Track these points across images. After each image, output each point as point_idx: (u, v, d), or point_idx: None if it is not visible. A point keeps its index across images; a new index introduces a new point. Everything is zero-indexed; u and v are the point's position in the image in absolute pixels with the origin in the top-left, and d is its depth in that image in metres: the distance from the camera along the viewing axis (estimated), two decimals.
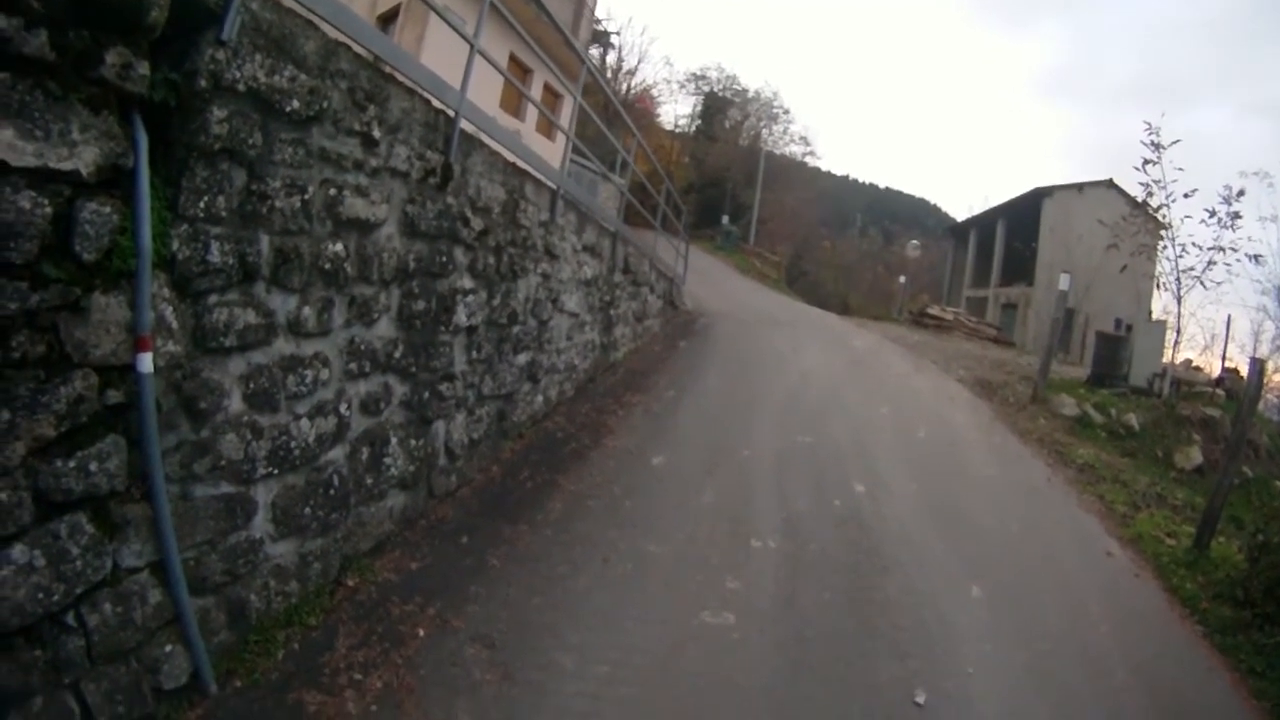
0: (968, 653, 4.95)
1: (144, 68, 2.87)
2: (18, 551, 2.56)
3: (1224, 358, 17.14)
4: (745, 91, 47.80)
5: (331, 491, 4.34)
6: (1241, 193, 13.30)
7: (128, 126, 2.86)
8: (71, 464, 2.73)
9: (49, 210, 2.58)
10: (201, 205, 3.25)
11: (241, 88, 3.35)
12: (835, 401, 10.26)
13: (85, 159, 2.68)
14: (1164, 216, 14.12)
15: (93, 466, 2.80)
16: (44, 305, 2.59)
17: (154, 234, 2.95)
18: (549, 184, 7.49)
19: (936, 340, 19.89)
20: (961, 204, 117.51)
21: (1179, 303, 14.20)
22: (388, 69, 4.64)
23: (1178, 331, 14.55)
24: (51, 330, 2.63)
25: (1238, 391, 9.33)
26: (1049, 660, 5.10)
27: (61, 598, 2.70)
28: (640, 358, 11.43)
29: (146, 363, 2.92)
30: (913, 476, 7.80)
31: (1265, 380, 9.81)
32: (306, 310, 4.04)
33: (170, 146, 3.10)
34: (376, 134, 4.44)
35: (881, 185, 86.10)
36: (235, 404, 3.57)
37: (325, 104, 3.95)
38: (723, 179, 41.53)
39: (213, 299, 3.39)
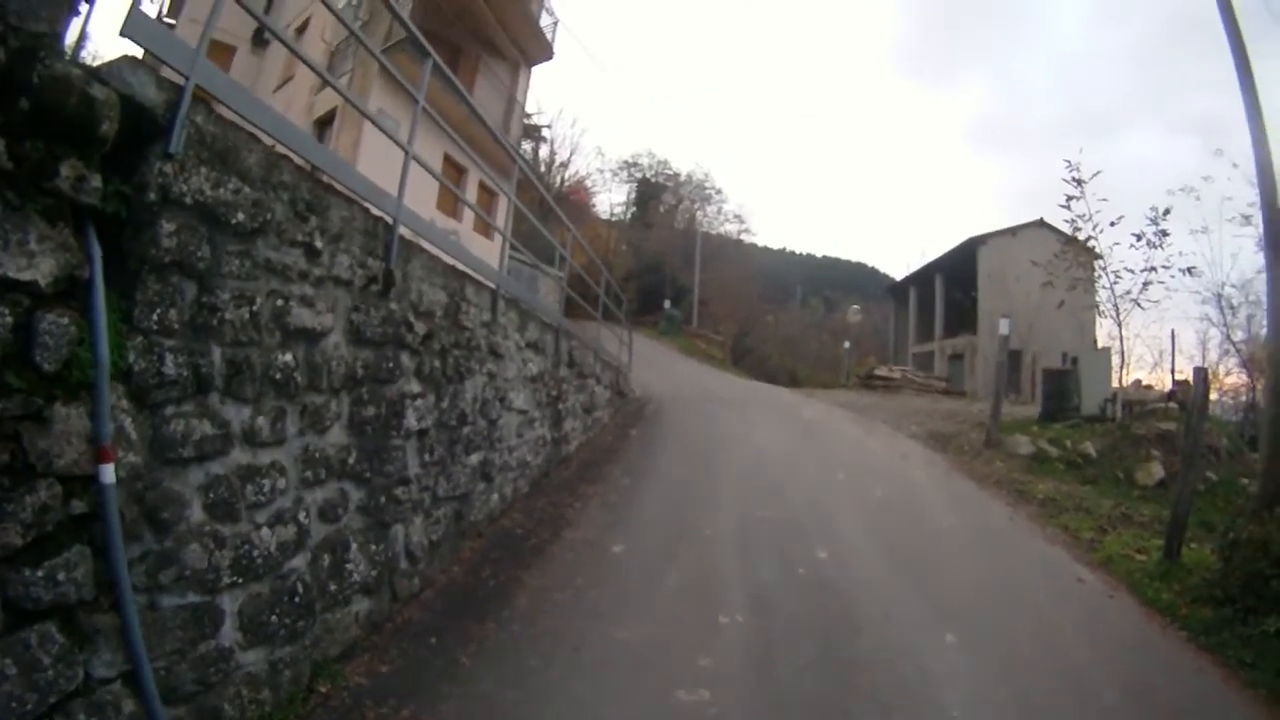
0: (950, 696, 4.95)
1: (96, 180, 2.96)
2: None
3: (1173, 372, 17.71)
4: (677, 175, 49.27)
5: (297, 599, 4.28)
6: (1168, 211, 14.03)
7: (82, 238, 2.93)
8: (40, 573, 2.70)
9: (9, 320, 2.62)
10: (155, 317, 3.30)
11: (189, 200, 3.43)
12: (791, 473, 10.36)
13: (43, 269, 2.73)
14: (1095, 247, 14.73)
15: (60, 576, 2.77)
16: (6, 414, 2.61)
17: (111, 345, 2.99)
18: (489, 284, 7.61)
19: (886, 400, 20.24)
20: (900, 263, 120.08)
21: (1120, 327, 14.80)
22: (327, 179, 4.76)
23: (1123, 355, 15.04)
24: (15, 439, 2.63)
25: (1189, 403, 9.65)
26: (1033, 691, 5.13)
27: (35, 707, 2.64)
28: (592, 449, 11.46)
29: (109, 473, 2.92)
30: (875, 536, 7.88)
31: (1210, 387, 10.12)
32: (260, 420, 4.06)
33: (123, 258, 3.16)
34: (319, 244, 4.54)
35: (819, 254, 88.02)
36: (197, 514, 3.56)
37: (269, 215, 4.05)
38: (661, 264, 42.28)
39: (169, 410, 3.41)
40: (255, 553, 3.95)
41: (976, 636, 5.80)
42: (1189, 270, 14.35)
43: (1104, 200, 14.30)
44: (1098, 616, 6.47)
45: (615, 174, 48.63)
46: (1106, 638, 6.04)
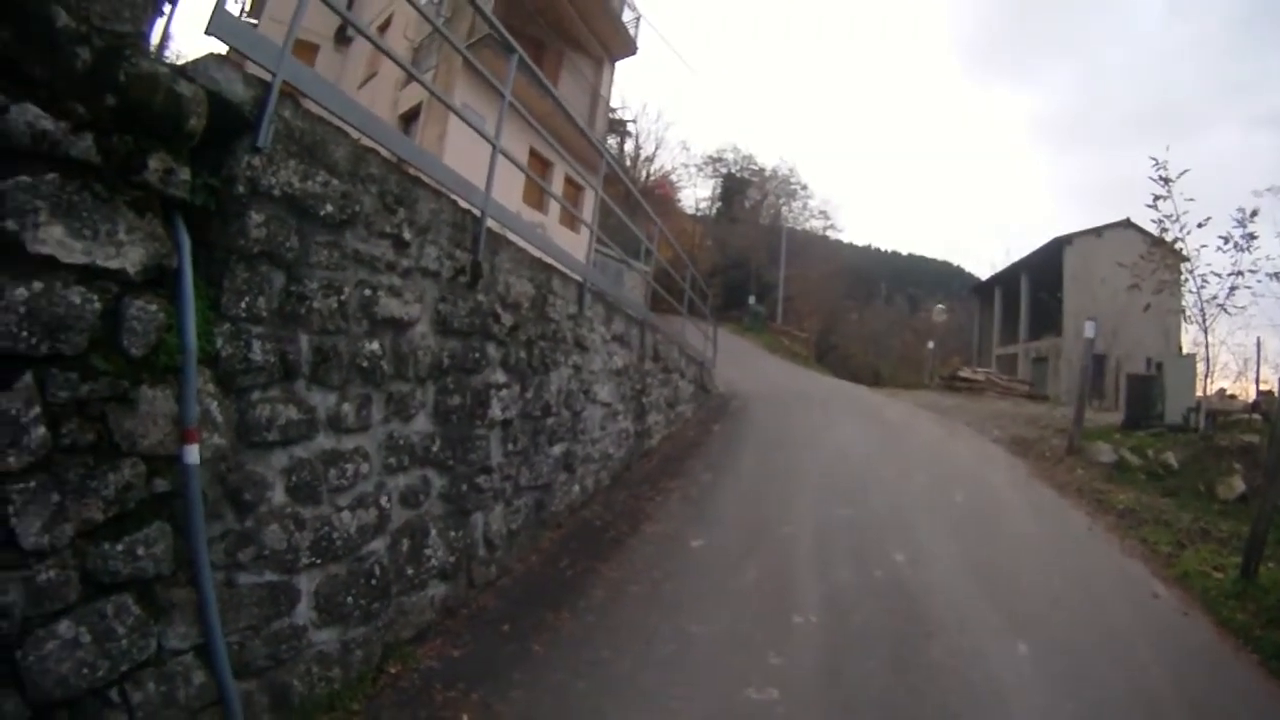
0: (1018, 707, 4.83)
1: (185, 173, 3.09)
2: (64, 627, 2.65)
3: (1258, 381, 16.88)
4: (762, 170, 48.88)
5: (373, 581, 4.39)
6: (1255, 213, 13.27)
7: (170, 229, 3.07)
8: (119, 547, 2.83)
9: (98, 306, 2.75)
10: (243, 305, 3.43)
11: (277, 193, 3.55)
12: (871, 473, 10.20)
13: (131, 258, 2.86)
14: (1181, 249, 14.11)
15: (140, 551, 2.90)
16: (94, 395, 2.74)
17: (198, 332, 3.12)
18: (575, 277, 7.66)
19: (969, 402, 19.76)
20: (984, 262, 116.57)
21: (1206, 333, 14.10)
22: (414, 171, 4.85)
23: (1208, 362, 14.35)
24: (100, 420, 2.77)
25: (1273, 413, 9.18)
26: (1102, 708, 4.96)
27: (106, 674, 2.77)
28: (675, 443, 11.46)
29: (193, 454, 3.04)
30: (952, 540, 7.70)
31: None
32: (346, 406, 4.16)
33: (211, 248, 3.29)
34: (407, 235, 4.64)
35: (904, 252, 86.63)
36: (278, 496, 3.68)
37: (357, 208, 4.16)
38: (746, 259, 41.99)
39: (255, 395, 3.54)
40: (335, 535, 4.06)
41: (1049, 648, 5.62)
42: (1278, 275, 13.62)
43: (1191, 200, 13.63)
44: (1171, 634, 6.20)
45: (700, 169, 48.60)
46: (1178, 657, 5.79)
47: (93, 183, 2.73)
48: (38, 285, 2.56)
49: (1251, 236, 13.18)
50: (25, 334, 2.52)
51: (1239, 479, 10.60)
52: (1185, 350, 16.76)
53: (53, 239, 2.60)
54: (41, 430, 2.57)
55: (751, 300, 39.19)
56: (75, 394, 2.67)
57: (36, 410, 2.56)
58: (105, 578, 2.79)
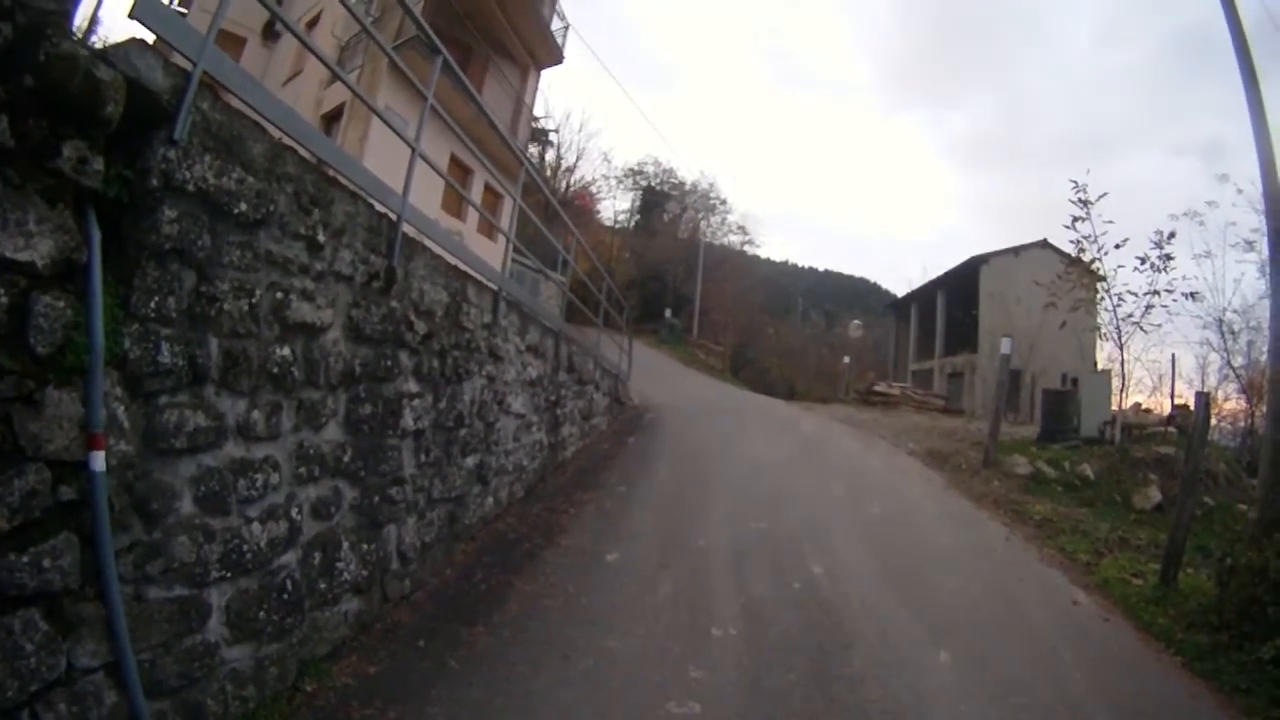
0: (941, 715, 4.92)
1: (99, 163, 2.93)
2: None
3: (1173, 396, 17.67)
4: (683, 184, 49.35)
5: (285, 595, 4.24)
6: (1172, 235, 14.02)
7: (82, 221, 2.89)
8: (25, 559, 2.66)
9: (4, 300, 2.59)
10: (153, 305, 3.27)
11: (191, 188, 3.40)
12: (787, 486, 10.31)
13: (41, 250, 2.70)
14: (1098, 269, 14.69)
15: (46, 563, 2.73)
16: None
17: (106, 331, 2.95)
18: (491, 285, 7.58)
19: (885, 417, 20.16)
20: (901, 279, 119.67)
21: (1122, 350, 14.71)
22: (332, 173, 4.73)
23: (1123, 378, 14.96)
24: (5, 421, 2.60)
25: (1188, 427, 9.58)
26: (1027, 712, 5.07)
27: (15, 694, 2.60)
28: (589, 455, 11.44)
29: (99, 461, 2.88)
30: (870, 552, 7.82)
31: (1211, 412, 10.07)
32: (256, 414, 4.02)
33: (122, 244, 3.12)
34: (321, 238, 4.51)
35: (821, 268, 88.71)
36: (187, 506, 3.51)
37: (272, 207, 4.02)
38: (663, 272, 42.38)
39: (163, 400, 3.37)
40: (245, 548, 3.91)
41: (970, 656, 5.74)
42: (1191, 295, 14.31)
43: (1110, 222, 14.26)
44: (1093, 639, 6.41)
45: (620, 181, 48.82)
46: (1101, 661, 5.99)
47: (4, 167, 2.57)
48: None
49: (1168, 257, 13.89)
50: None
51: (1155, 489, 11.11)
52: (1101, 366, 17.41)
53: None
54: None
55: (668, 313, 39.50)
56: None
57: None
58: (11, 590, 2.62)
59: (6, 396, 2.59)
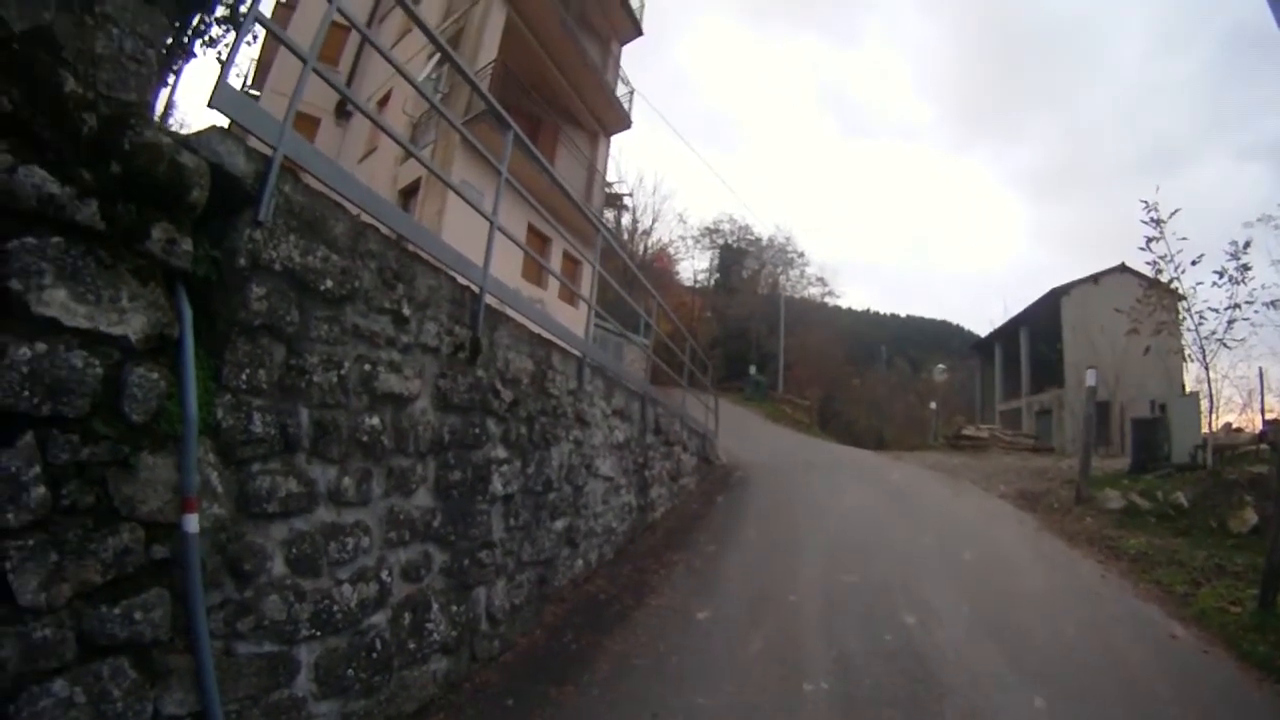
0: None
1: (187, 244, 3.15)
2: (58, 685, 2.61)
3: (1263, 411, 16.82)
4: (759, 240, 49.52)
5: (374, 654, 4.34)
6: (1248, 244, 13.46)
7: (173, 298, 3.11)
8: (116, 610, 2.80)
9: (100, 371, 2.78)
10: (244, 377, 3.45)
11: (278, 267, 3.61)
12: (877, 537, 10.12)
13: (134, 325, 2.90)
14: (1177, 288, 14.25)
15: (137, 615, 2.87)
16: (94, 459, 2.75)
17: (199, 402, 3.14)
18: (575, 352, 7.71)
19: (974, 460, 19.66)
20: (983, 320, 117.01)
21: (1207, 370, 14.20)
22: (413, 248, 4.92)
23: (1212, 398, 14.44)
24: (100, 484, 2.77)
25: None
26: None
27: None
28: (678, 516, 11.40)
29: (192, 523, 3.04)
30: (963, 600, 7.59)
31: None
32: (346, 480, 4.16)
33: (212, 319, 3.33)
34: (406, 311, 4.69)
35: (903, 314, 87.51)
36: (278, 567, 3.66)
37: (357, 283, 4.21)
38: (745, 329, 42.38)
39: (256, 466, 3.54)
40: (335, 607, 4.03)
41: (1066, 699, 5.51)
42: (1274, 304, 13.66)
43: (1184, 239, 13.81)
44: (1191, 674, 6.10)
45: (697, 240, 49.19)
46: (1200, 695, 5.69)
47: (96, 249, 2.78)
48: (41, 346, 2.59)
49: (1245, 268, 13.35)
50: (27, 394, 2.55)
51: (1250, 510, 10.48)
52: (1188, 389, 16.78)
53: (56, 301, 2.64)
54: (41, 490, 2.57)
55: (752, 370, 39.35)
56: (75, 456, 2.68)
57: (37, 470, 2.56)
58: (102, 639, 2.76)
59: (102, 460, 2.77)
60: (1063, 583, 8.45)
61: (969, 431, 26.62)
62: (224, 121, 3.54)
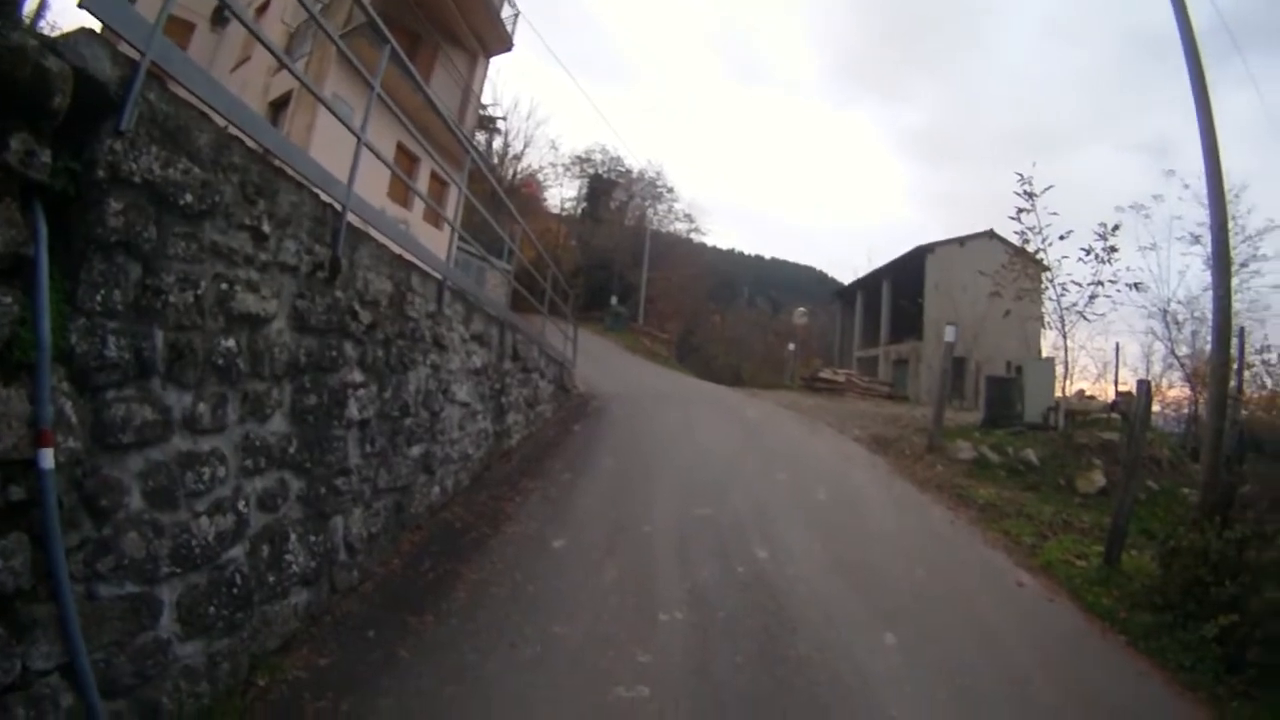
0: (888, 696, 5.04)
1: (46, 155, 2.86)
2: None
3: (1116, 383, 18.03)
4: (629, 172, 49.04)
5: (235, 590, 4.21)
6: (1117, 227, 14.26)
7: (29, 214, 2.83)
8: None
9: None
10: (98, 298, 3.20)
11: (138, 179, 3.34)
12: (732, 472, 10.43)
13: None
14: (1043, 259, 14.98)
15: None
16: None
17: (53, 326, 2.89)
18: (435, 275, 7.54)
19: (830, 403, 20.45)
20: (847, 268, 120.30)
21: (1065, 338, 15.07)
22: (278, 162, 4.66)
23: (1067, 365, 15.35)
24: None
25: (1132, 414, 9.90)
26: (972, 692, 5.22)
27: None
28: (535, 443, 11.45)
29: (48, 458, 2.82)
30: (815, 537, 7.95)
31: (1153, 399, 10.33)
32: (201, 406, 3.96)
33: (68, 238, 3.06)
34: (266, 228, 4.45)
35: (768, 256, 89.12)
36: (135, 502, 3.46)
37: (217, 198, 3.95)
38: (610, 260, 42.29)
39: (110, 394, 3.31)
40: (194, 542, 3.86)
41: (916, 637, 5.88)
42: (1136, 285, 14.62)
43: (1054, 214, 14.53)
44: (1038, 620, 6.62)
45: (567, 169, 48.38)
46: (1046, 640, 6.19)
47: None
48: None
49: (1113, 249, 14.15)
50: None
51: (1099, 473, 11.37)
52: (1045, 354, 17.76)
53: None
54: None
55: (614, 301, 39.48)
56: None
57: None
58: None
59: None
60: (913, 525, 8.97)
61: (826, 374, 27.49)
62: (96, 25, 3.22)
